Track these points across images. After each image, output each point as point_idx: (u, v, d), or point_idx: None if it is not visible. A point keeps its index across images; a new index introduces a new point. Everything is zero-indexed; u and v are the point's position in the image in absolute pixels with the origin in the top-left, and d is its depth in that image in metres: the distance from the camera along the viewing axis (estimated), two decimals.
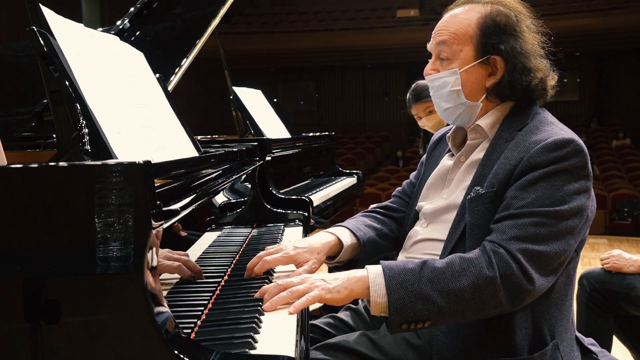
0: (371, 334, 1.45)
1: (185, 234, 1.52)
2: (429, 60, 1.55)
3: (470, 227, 1.39)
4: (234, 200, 2.02)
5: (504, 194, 1.36)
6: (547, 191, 1.31)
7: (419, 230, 1.57)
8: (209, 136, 3.38)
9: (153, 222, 0.88)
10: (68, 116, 1.15)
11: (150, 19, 2.71)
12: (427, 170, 1.68)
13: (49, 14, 1.22)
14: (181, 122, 1.67)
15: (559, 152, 1.33)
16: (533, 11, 1.54)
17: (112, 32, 2.55)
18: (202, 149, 1.71)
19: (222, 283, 1.33)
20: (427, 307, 1.24)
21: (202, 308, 1.14)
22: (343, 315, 1.64)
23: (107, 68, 1.36)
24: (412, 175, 1.79)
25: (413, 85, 3.16)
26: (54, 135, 2.01)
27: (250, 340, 0.98)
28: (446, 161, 1.60)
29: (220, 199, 1.89)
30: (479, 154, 1.48)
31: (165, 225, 0.99)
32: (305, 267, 1.42)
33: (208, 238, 1.73)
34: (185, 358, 0.86)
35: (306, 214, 2.17)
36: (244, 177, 2.07)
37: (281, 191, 2.45)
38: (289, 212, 2.16)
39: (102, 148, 1.13)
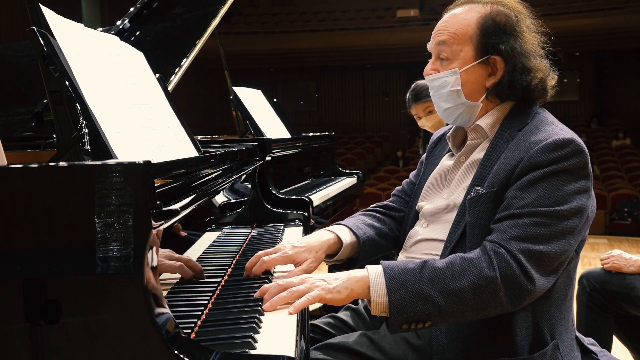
0: (371, 334, 1.45)
1: (185, 234, 1.52)
2: (429, 60, 1.55)
3: (471, 227, 1.39)
4: (234, 200, 2.02)
5: (505, 194, 1.36)
6: (548, 191, 1.31)
7: (419, 230, 1.57)
8: (209, 136, 3.38)
9: (153, 222, 0.88)
10: (68, 116, 1.15)
11: (150, 19, 2.71)
12: (427, 170, 1.68)
13: (49, 14, 1.22)
14: (181, 122, 1.67)
15: (559, 152, 1.33)
16: (533, 11, 1.54)
17: (112, 32, 2.55)
18: (202, 149, 1.71)
19: (222, 283, 1.33)
20: (427, 307, 1.24)
21: (202, 308, 1.14)
22: (343, 315, 1.64)
23: (107, 68, 1.36)
24: (412, 174, 1.79)
25: (413, 85, 3.17)
26: (54, 135, 2.01)
27: (250, 340, 0.98)
28: (446, 161, 1.60)
29: (220, 199, 1.89)
30: (479, 154, 1.48)
31: (165, 225, 0.98)
32: (303, 266, 1.42)
33: (208, 238, 1.73)
34: (185, 358, 0.86)
35: (306, 214, 2.17)
36: (244, 177, 2.07)
37: (281, 191, 2.45)
38: (289, 212, 2.16)
39: (102, 148, 1.13)
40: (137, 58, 1.60)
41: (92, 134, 1.14)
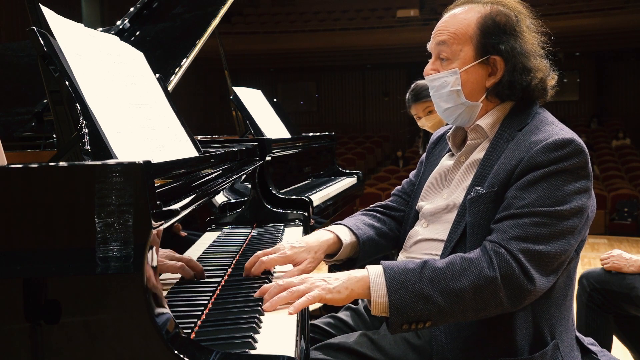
0: (371, 334, 1.45)
1: (185, 234, 1.52)
2: (429, 60, 1.55)
3: (471, 227, 1.39)
4: (234, 200, 2.02)
5: (505, 194, 1.36)
6: (548, 191, 1.31)
7: (419, 230, 1.56)
8: (209, 136, 3.38)
9: (153, 222, 0.88)
10: (68, 116, 1.15)
11: (150, 19, 2.71)
12: (426, 170, 1.68)
13: (49, 14, 1.21)
14: (181, 122, 1.67)
15: (559, 152, 1.33)
16: (533, 11, 1.54)
17: (112, 32, 2.55)
18: (202, 149, 1.71)
19: (222, 283, 1.33)
20: (428, 307, 1.24)
21: (202, 308, 1.14)
22: (343, 315, 1.64)
23: (107, 68, 1.36)
24: (412, 174, 1.79)
25: (412, 85, 3.17)
26: (54, 135, 2.01)
27: (250, 340, 0.98)
28: (446, 161, 1.60)
29: (220, 199, 1.89)
30: (479, 154, 1.48)
31: (165, 225, 0.99)
32: (301, 266, 1.42)
33: (208, 238, 1.73)
34: (185, 358, 0.86)
35: (306, 214, 2.17)
36: (244, 177, 2.07)
37: (281, 191, 2.45)
38: (289, 212, 2.16)
39: (102, 148, 1.13)
40: (137, 58, 1.60)
41: (92, 134, 1.14)
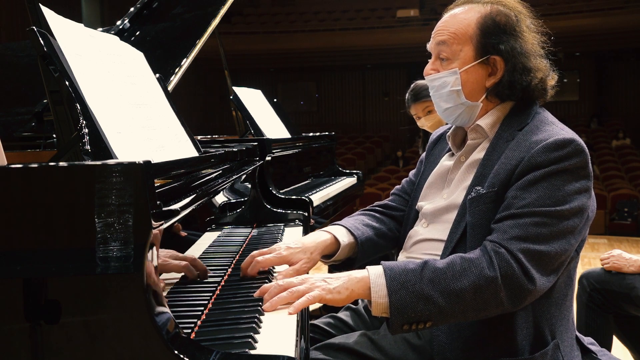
0: (371, 334, 1.45)
1: (185, 234, 1.52)
2: (429, 60, 1.55)
3: (471, 227, 1.39)
4: (234, 200, 2.02)
5: (505, 193, 1.36)
6: (548, 191, 1.31)
7: (419, 230, 1.56)
8: (209, 136, 3.38)
9: (153, 222, 0.88)
10: (68, 116, 1.15)
11: (150, 19, 2.71)
12: (426, 169, 1.68)
13: (49, 14, 1.21)
14: (181, 122, 1.67)
15: (559, 152, 1.33)
16: (533, 11, 1.54)
17: (112, 32, 2.55)
18: (202, 149, 1.71)
19: (222, 283, 1.33)
20: (428, 308, 1.24)
21: (202, 308, 1.14)
22: (343, 315, 1.64)
23: (107, 68, 1.36)
24: (412, 173, 1.79)
25: (412, 85, 3.16)
26: (54, 135, 2.01)
27: (250, 340, 0.98)
28: (446, 161, 1.60)
29: (220, 199, 1.89)
30: (479, 154, 1.48)
31: (165, 225, 0.99)
32: (296, 266, 1.42)
33: (208, 238, 1.73)
34: (185, 358, 0.86)
35: (306, 214, 2.17)
36: (244, 177, 2.07)
37: (281, 191, 2.45)
38: (289, 212, 2.16)
39: (102, 148, 1.13)
40: (137, 58, 1.60)
41: (92, 134, 1.14)
